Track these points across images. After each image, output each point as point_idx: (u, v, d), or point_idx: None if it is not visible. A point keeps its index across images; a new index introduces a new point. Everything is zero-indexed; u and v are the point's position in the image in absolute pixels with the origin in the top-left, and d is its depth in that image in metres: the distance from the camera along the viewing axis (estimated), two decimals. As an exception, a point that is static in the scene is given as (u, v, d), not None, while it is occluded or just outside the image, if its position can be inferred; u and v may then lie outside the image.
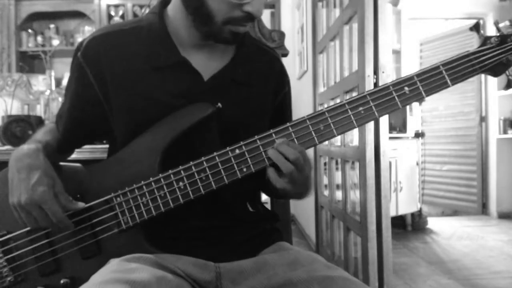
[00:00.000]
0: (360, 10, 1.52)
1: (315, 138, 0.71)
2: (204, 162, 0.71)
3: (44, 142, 0.78)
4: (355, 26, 1.70)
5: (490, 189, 4.05)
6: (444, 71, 0.70)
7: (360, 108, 0.70)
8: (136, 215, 0.72)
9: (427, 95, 0.70)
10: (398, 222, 3.49)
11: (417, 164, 3.50)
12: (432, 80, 0.70)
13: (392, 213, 3.16)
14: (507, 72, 0.72)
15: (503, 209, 3.98)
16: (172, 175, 0.71)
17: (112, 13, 3.59)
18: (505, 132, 3.95)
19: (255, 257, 0.77)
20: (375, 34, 1.46)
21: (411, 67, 4.10)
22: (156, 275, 0.63)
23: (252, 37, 0.89)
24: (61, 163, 0.80)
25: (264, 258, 0.76)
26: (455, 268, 2.52)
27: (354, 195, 1.89)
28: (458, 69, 0.70)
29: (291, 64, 3.72)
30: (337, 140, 2.07)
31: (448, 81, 0.70)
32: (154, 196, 0.71)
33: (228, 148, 0.71)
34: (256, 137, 0.70)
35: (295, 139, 0.70)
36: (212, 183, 0.70)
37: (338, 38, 1.98)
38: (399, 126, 3.45)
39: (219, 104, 0.74)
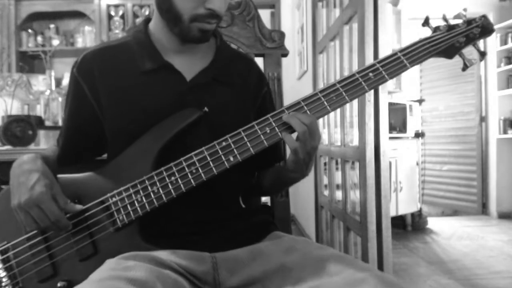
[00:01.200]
0: (360, 10, 1.52)
1: None
2: (194, 156, 0.75)
3: (44, 154, 0.85)
4: (355, 26, 1.70)
5: (490, 189, 4.06)
6: (402, 56, 0.79)
7: (332, 95, 0.78)
8: (131, 212, 0.75)
9: (390, 78, 0.79)
10: (398, 222, 3.49)
11: (417, 164, 3.50)
12: (392, 64, 0.79)
13: (392, 213, 3.16)
14: (461, 56, 0.83)
15: (503, 209, 3.98)
16: (164, 171, 0.75)
17: (112, 13, 3.59)
18: (505, 132, 3.95)
19: (251, 246, 0.79)
20: (375, 34, 1.46)
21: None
22: (154, 272, 0.64)
23: (229, 46, 0.98)
24: (59, 176, 0.82)
25: (259, 246, 0.78)
26: (455, 268, 2.52)
27: (354, 195, 1.89)
28: (414, 53, 0.80)
29: (291, 64, 3.72)
30: (337, 140, 2.07)
31: (407, 64, 0.79)
32: (147, 192, 0.74)
33: (215, 142, 0.75)
34: (240, 130, 0.76)
35: (276, 127, 0.76)
36: (202, 174, 0.74)
37: (338, 38, 1.98)
38: (399, 126, 3.45)
39: (206, 108, 0.80)
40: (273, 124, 0.76)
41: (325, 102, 0.77)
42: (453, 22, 0.84)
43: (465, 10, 0.85)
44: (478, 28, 0.82)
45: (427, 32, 0.85)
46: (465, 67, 0.85)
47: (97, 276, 0.64)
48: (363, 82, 0.78)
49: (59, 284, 0.74)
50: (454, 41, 0.81)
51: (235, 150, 0.75)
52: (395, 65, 0.79)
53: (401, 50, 0.80)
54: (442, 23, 0.85)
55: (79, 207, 0.75)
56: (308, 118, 0.75)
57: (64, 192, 0.76)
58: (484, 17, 0.84)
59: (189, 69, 0.84)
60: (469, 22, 0.83)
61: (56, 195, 0.74)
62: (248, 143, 0.75)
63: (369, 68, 0.78)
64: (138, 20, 3.56)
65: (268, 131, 0.76)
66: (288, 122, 0.75)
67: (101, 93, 0.82)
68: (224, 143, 0.75)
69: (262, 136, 0.75)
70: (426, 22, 0.84)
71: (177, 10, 0.77)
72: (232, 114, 0.85)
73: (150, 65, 0.82)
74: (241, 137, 0.75)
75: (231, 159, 0.75)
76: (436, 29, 0.83)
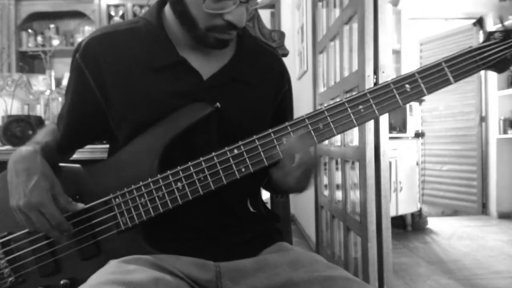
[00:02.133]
0: (360, 10, 1.52)
1: (315, 137, 0.70)
2: (203, 163, 0.70)
3: (43, 143, 0.78)
4: (355, 26, 1.70)
5: (490, 189, 4.05)
6: (446, 68, 0.68)
7: (360, 107, 0.69)
8: (134, 216, 0.72)
9: (429, 93, 0.69)
10: (398, 222, 3.49)
11: (417, 164, 3.50)
12: (434, 77, 0.69)
13: (392, 213, 3.16)
14: (511, 68, 0.71)
15: (503, 209, 3.97)
16: (170, 176, 0.71)
17: (112, 13, 3.59)
18: (505, 132, 3.95)
19: (256, 256, 0.77)
20: (375, 34, 1.46)
21: (411, 67, 4.09)
22: (154, 276, 0.63)
23: (253, 36, 0.89)
24: (60, 164, 0.80)
25: (265, 257, 0.76)
26: (455, 268, 2.52)
27: (354, 195, 1.89)
28: (460, 66, 0.68)
29: (291, 64, 3.72)
30: (337, 140, 2.07)
31: (451, 78, 0.68)
32: (152, 197, 0.71)
33: (226, 148, 0.70)
34: (254, 137, 0.70)
35: None
36: (211, 183, 0.70)
37: (338, 38, 1.98)
38: (399, 126, 3.45)
39: (218, 104, 0.74)
40: (292, 135, 0.69)
41: (351, 115, 0.68)
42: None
43: None
44: None
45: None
46: None
47: (95, 280, 0.63)
48: (397, 95, 0.68)
49: (62, 282, 0.74)
50: (508, 53, 0.68)
51: (247, 159, 0.69)
52: (436, 78, 0.68)
53: (446, 60, 0.68)
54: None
55: (81, 206, 0.72)
56: (306, 155, 0.69)
57: (66, 186, 0.73)
58: None
59: (207, 66, 0.77)
60: None
61: (57, 194, 0.71)
62: (262, 153, 0.69)
63: (407, 79, 0.69)
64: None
65: (285, 142, 0.69)
66: (298, 151, 0.69)
67: (107, 83, 0.75)
68: (236, 151, 0.69)
69: (277, 147, 0.69)
70: (479, 23, 0.71)
71: (192, 17, 0.70)
72: (247, 114, 0.79)
73: (164, 61, 0.75)
74: (255, 146, 0.70)
75: (243, 169, 0.70)
76: (489, 36, 0.69)
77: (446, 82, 0.69)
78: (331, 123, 0.69)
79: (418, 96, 0.69)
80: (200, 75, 0.76)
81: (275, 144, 0.69)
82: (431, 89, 0.69)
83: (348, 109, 0.69)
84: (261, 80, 0.83)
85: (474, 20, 3.96)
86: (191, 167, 0.70)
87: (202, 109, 0.73)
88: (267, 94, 0.84)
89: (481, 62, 0.68)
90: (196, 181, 0.70)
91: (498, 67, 0.70)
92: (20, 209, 0.69)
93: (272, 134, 0.70)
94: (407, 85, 0.68)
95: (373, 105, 0.69)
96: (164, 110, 0.73)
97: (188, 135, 0.73)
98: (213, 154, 0.70)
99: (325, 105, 0.72)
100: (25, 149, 0.74)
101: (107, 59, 0.75)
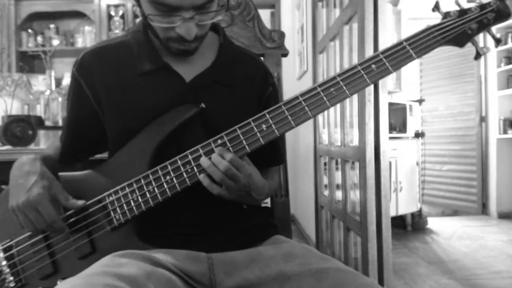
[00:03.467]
0: (360, 10, 1.52)
1: (292, 121, 0.74)
2: (189, 155, 0.74)
3: (45, 154, 0.85)
4: (355, 26, 1.70)
5: (490, 189, 4.05)
6: (407, 46, 0.73)
7: (332, 89, 0.73)
8: (127, 211, 0.75)
9: (395, 70, 0.73)
10: (398, 222, 3.49)
11: (417, 164, 3.50)
12: (397, 55, 0.73)
13: (392, 213, 3.16)
14: (474, 44, 0.76)
15: (503, 209, 3.98)
16: (159, 170, 0.75)
17: (112, 13, 3.59)
18: (505, 132, 3.95)
19: (248, 249, 0.78)
20: (375, 34, 1.46)
21: (411, 66, 4.10)
22: (146, 269, 0.64)
23: (235, 45, 0.94)
24: (60, 173, 0.83)
25: (258, 250, 0.77)
26: (455, 268, 2.52)
27: (354, 195, 1.89)
28: (421, 42, 0.74)
29: (291, 64, 3.72)
30: (337, 140, 2.07)
31: (413, 54, 0.73)
32: (143, 192, 0.75)
33: (210, 140, 0.74)
34: (236, 127, 0.74)
35: (273, 124, 0.74)
36: (197, 174, 0.74)
37: (338, 38, 1.98)
38: (399, 126, 3.45)
39: (203, 104, 0.78)
40: (270, 121, 0.74)
41: (324, 97, 0.73)
42: (466, 6, 0.76)
43: None
44: (493, 13, 0.73)
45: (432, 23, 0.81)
46: (477, 56, 0.77)
47: (89, 271, 0.64)
48: (365, 75, 0.73)
49: (58, 282, 0.75)
50: (465, 27, 0.74)
51: (230, 148, 0.74)
52: (400, 55, 0.73)
53: (407, 39, 0.74)
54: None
55: (80, 203, 0.76)
56: (223, 164, 0.71)
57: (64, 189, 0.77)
58: (499, 0, 0.75)
59: (189, 70, 0.82)
60: (482, 6, 0.74)
61: (56, 194, 0.74)
62: (244, 141, 0.74)
63: (372, 59, 0.74)
64: (138, 20, 3.56)
65: (265, 128, 0.74)
66: (207, 171, 0.72)
67: (100, 92, 0.82)
68: (219, 141, 0.74)
69: (258, 134, 0.73)
70: (436, 7, 0.77)
71: (154, 29, 0.78)
72: (232, 116, 0.81)
73: (149, 66, 0.81)
74: (236, 134, 0.74)
75: None
76: (446, 15, 0.76)
77: (409, 58, 0.73)
78: (306, 106, 0.74)
79: (384, 74, 0.73)
80: (182, 77, 0.81)
81: (255, 131, 0.74)
82: (396, 66, 0.73)
83: (321, 92, 0.74)
84: (243, 83, 0.87)
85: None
86: (178, 160, 0.74)
87: (188, 110, 0.78)
88: (250, 97, 0.88)
89: (440, 37, 0.74)
90: (184, 173, 0.74)
91: (458, 41, 0.75)
92: (19, 207, 0.72)
93: (251, 122, 0.74)
94: (373, 65, 0.73)
95: (344, 87, 0.73)
96: (152, 112, 0.78)
97: (177, 136, 0.77)
98: (198, 146, 0.74)
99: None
100: (26, 157, 0.80)
101: (100, 70, 0.82)
